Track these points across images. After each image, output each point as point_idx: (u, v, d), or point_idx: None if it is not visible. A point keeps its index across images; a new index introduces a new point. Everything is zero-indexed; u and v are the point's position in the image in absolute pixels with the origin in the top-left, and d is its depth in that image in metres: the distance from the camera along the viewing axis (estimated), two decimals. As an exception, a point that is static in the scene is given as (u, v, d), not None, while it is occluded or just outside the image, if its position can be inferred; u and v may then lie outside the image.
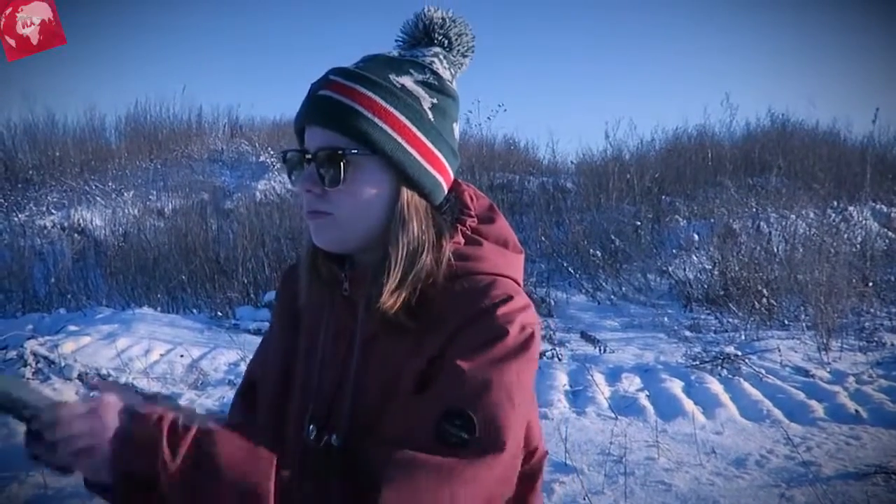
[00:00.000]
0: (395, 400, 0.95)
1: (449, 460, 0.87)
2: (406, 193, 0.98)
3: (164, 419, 0.87)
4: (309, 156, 0.98)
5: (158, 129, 12.35)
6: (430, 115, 0.99)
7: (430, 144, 0.99)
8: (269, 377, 1.13)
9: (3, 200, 9.62)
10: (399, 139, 0.96)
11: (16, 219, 9.11)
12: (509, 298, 0.96)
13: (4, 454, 3.73)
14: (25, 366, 4.71)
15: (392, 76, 0.98)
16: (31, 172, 10.37)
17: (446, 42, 1.05)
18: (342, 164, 0.95)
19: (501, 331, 0.93)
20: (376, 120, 0.94)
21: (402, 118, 0.96)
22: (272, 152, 11.52)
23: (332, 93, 0.96)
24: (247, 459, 0.87)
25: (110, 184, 10.12)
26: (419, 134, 0.98)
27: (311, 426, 1.01)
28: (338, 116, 0.95)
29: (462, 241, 1.02)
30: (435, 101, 1.00)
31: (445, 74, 1.03)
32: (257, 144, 12.09)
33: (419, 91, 0.99)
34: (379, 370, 0.98)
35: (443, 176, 1.02)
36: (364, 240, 1.00)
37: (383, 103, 0.95)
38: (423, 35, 1.05)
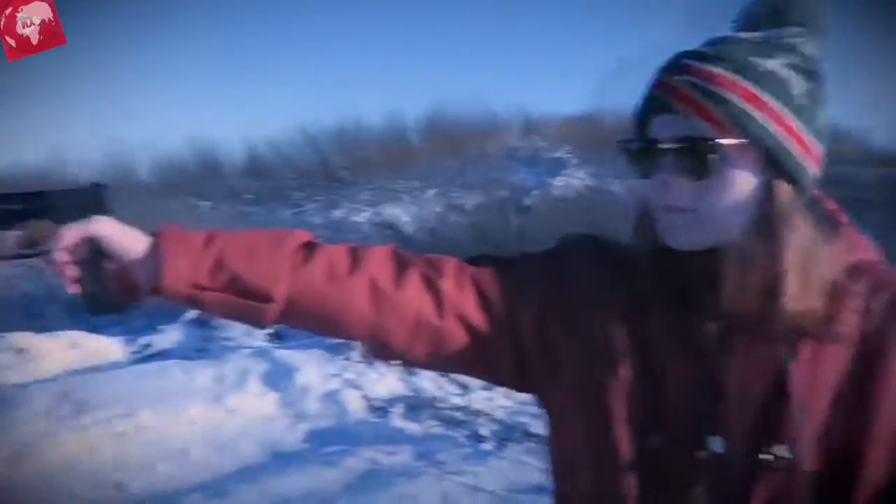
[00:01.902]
0: (841, 413, 0.86)
1: None
2: (783, 189, 0.87)
3: None
4: (664, 146, 0.88)
5: (457, 127, 13.00)
6: (803, 101, 0.87)
7: (804, 134, 0.87)
8: (618, 382, 0.94)
9: (322, 198, 10.56)
10: (773, 128, 0.86)
11: (332, 215, 9.89)
12: None
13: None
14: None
15: (756, 59, 0.87)
16: (343, 172, 11.34)
17: (805, 21, 0.92)
18: (711, 155, 0.86)
19: None
20: (747, 107, 0.85)
21: (776, 105, 0.86)
22: (568, 148, 11.67)
23: (693, 77, 0.86)
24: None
25: (415, 182, 10.73)
26: (793, 123, 0.86)
27: (714, 438, 0.90)
28: (703, 103, 0.85)
29: (851, 235, 0.95)
30: (807, 85, 0.88)
31: (813, 56, 0.91)
32: (551, 141, 12.31)
33: (789, 75, 0.87)
34: (812, 381, 0.87)
35: (816, 170, 0.91)
36: (723, 239, 0.89)
37: (753, 88, 0.85)
38: (771, 13, 0.93)
